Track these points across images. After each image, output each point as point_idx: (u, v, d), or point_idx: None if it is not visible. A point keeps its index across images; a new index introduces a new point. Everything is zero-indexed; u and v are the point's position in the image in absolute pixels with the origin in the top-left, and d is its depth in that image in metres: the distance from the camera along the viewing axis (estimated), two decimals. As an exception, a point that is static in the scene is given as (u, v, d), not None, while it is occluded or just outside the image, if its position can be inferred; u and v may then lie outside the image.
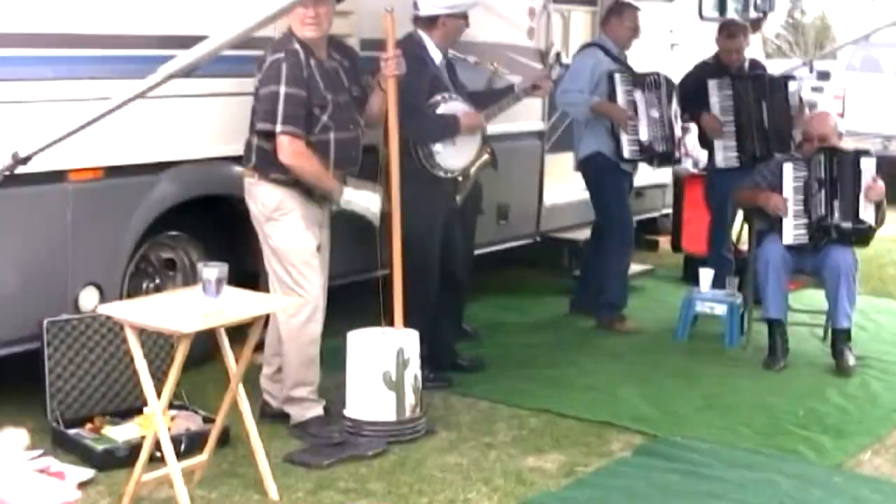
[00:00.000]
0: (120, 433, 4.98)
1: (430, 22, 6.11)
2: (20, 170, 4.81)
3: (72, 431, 5.04)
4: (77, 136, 4.83)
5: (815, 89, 15.79)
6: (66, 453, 4.89)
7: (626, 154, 7.27)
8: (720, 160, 7.92)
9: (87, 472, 4.71)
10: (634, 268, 8.41)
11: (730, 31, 8.13)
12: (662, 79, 7.48)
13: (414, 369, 5.40)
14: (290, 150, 5.13)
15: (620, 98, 7.25)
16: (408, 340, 5.42)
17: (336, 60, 5.38)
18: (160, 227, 5.81)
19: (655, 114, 7.31)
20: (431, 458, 5.15)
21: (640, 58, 7.90)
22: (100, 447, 4.88)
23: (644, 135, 7.27)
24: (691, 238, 8.79)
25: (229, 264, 4.51)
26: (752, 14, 10.36)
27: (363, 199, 5.37)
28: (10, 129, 4.84)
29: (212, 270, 4.42)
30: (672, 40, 9.22)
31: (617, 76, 7.26)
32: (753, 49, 9.38)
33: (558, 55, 7.12)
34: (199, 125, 5.70)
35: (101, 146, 5.22)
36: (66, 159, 5.10)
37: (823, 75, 15.86)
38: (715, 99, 7.86)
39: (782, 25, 43.00)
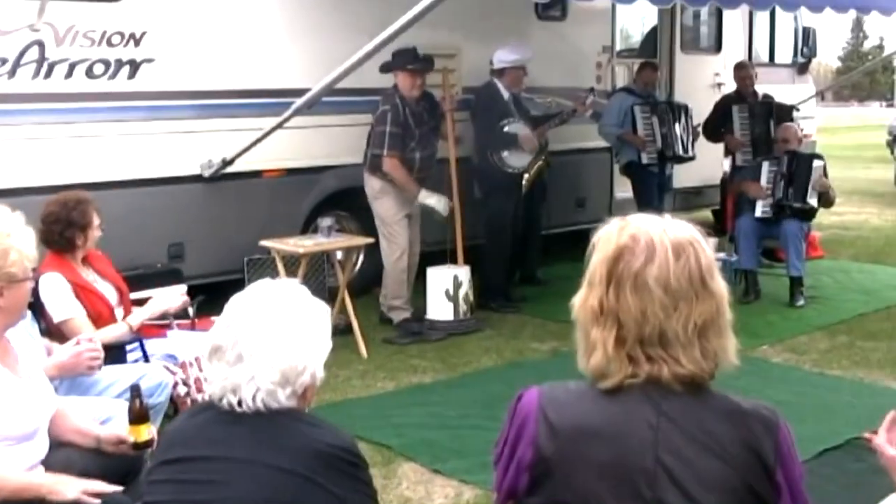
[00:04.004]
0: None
1: (499, 72, 9.34)
2: (234, 170, 8.38)
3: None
4: (269, 148, 8.30)
5: None
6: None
7: (644, 161, 10.39)
8: (739, 161, 10.85)
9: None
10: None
11: (741, 67, 11.20)
12: (676, 105, 10.60)
13: (465, 289, 8.57)
14: (390, 164, 8.39)
15: (639, 123, 10.33)
16: (461, 272, 8.61)
17: (422, 105, 8.60)
18: (328, 208, 9.19)
19: (665, 130, 10.32)
20: (471, 343, 8.31)
21: (688, 94, 11.08)
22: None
23: (658, 145, 10.34)
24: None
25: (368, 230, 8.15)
26: (800, 59, 13.29)
27: (433, 199, 8.51)
28: (223, 145, 8.35)
29: (326, 220, 7.89)
30: (718, 81, 12.24)
31: (636, 108, 10.37)
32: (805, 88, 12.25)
33: (592, 89, 10.16)
34: (344, 142, 9.04)
35: (284, 155, 8.72)
36: (261, 163, 8.63)
37: None
38: (737, 120, 10.79)
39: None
